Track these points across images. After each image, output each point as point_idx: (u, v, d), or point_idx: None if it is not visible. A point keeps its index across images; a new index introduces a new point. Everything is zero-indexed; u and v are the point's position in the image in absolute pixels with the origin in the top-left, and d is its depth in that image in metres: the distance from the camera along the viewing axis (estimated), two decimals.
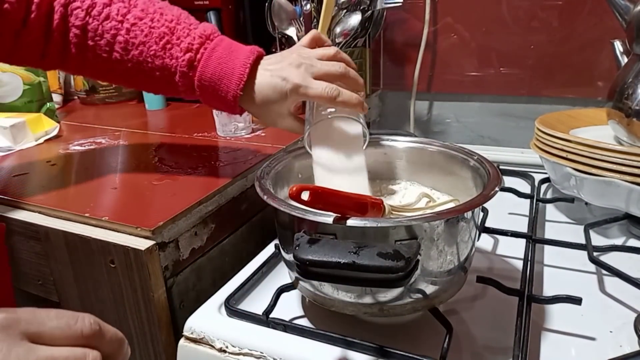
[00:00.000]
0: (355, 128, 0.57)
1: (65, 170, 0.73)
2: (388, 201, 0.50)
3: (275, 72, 0.56)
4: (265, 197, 0.46)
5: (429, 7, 0.99)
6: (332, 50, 0.58)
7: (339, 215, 0.41)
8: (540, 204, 0.72)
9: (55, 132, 0.87)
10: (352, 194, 0.43)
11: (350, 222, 0.40)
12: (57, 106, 1.05)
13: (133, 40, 0.57)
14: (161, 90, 0.62)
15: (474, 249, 0.49)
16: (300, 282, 0.49)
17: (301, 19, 0.97)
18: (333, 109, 0.56)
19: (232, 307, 0.51)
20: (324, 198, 0.39)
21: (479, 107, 1.04)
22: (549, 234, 0.66)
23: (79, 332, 0.30)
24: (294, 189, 0.38)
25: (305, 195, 0.38)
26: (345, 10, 0.95)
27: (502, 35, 0.97)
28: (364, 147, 0.57)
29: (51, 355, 0.29)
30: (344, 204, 0.41)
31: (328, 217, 0.41)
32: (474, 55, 1.00)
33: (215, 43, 0.58)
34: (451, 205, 0.50)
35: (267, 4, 0.98)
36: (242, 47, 0.58)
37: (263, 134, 0.84)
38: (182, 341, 0.50)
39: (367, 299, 0.44)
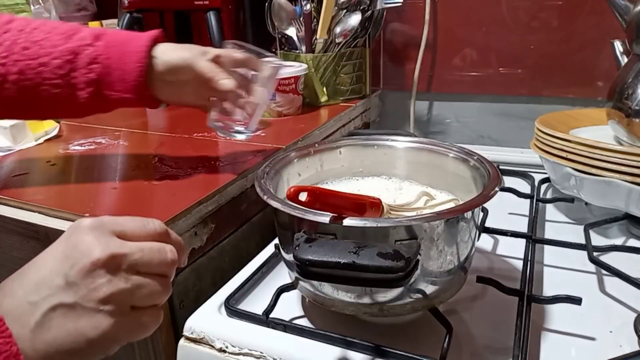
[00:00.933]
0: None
1: (65, 170, 0.73)
2: (387, 201, 0.50)
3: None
4: (265, 197, 0.46)
5: (429, 7, 0.99)
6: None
7: (336, 215, 0.41)
8: (540, 204, 0.72)
9: (55, 132, 0.87)
10: (350, 194, 0.43)
11: (350, 222, 0.40)
12: None
13: (34, 38, 0.56)
14: (58, 98, 0.58)
15: (474, 249, 0.49)
16: (300, 282, 0.49)
17: (301, 19, 0.97)
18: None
19: (232, 307, 0.51)
20: (321, 198, 0.39)
21: (479, 107, 1.04)
22: (549, 234, 0.66)
23: (153, 230, 0.37)
24: (292, 190, 0.38)
25: (302, 197, 0.38)
26: (345, 10, 0.95)
27: (502, 35, 0.97)
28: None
29: (140, 247, 0.35)
30: (342, 204, 0.41)
31: (327, 217, 0.41)
32: (474, 55, 1.00)
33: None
34: (451, 204, 0.50)
35: (267, 4, 0.98)
36: None
37: (263, 134, 0.84)
38: (182, 341, 0.50)
39: (367, 299, 0.44)
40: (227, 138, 0.71)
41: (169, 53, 0.60)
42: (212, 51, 0.62)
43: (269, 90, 0.66)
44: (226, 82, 0.60)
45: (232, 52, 0.63)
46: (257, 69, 0.63)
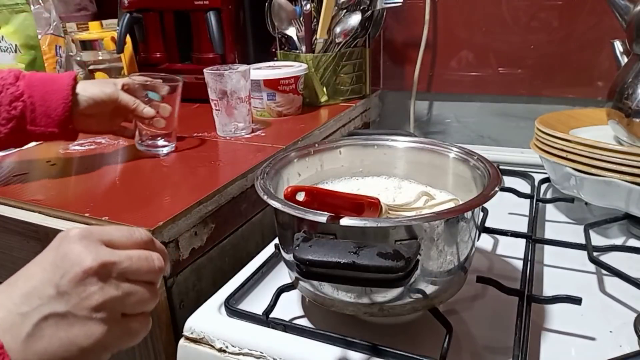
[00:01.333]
0: None
1: (65, 170, 0.73)
2: (386, 200, 0.50)
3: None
4: (265, 197, 0.46)
5: (429, 7, 0.99)
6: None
7: (333, 215, 0.41)
8: (540, 204, 0.72)
9: None
10: (348, 193, 0.43)
11: (350, 222, 0.40)
12: None
13: None
14: None
15: (474, 249, 0.49)
16: (300, 282, 0.49)
17: (301, 19, 0.97)
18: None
19: (232, 307, 0.51)
20: (319, 198, 0.39)
21: (479, 107, 1.04)
22: (549, 234, 0.66)
23: (139, 238, 0.38)
24: (289, 189, 0.38)
25: (300, 196, 0.38)
26: (345, 10, 0.95)
27: (502, 35, 0.97)
28: None
29: (129, 255, 0.36)
30: (340, 204, 0.41)
31: (324, 217, 0.41)
32: (474, 55, 1.00)
33: None
34: (450, 204, 0.50)
35: (267, 4, 0.98)
36: None
37: (263, 134, 0.84)
38: (182, 341, 0.50)
39: (367, 299, 0.44)
40: (156, 153, 0.76)
41: (90, 89, 0.67)
42: (119, 82, 0.71)
43: (174, 106, 0.75)
44: (148, 110, 0.71)
45: (134, 79, 0.73)
46: (157, 90, 0.74)
